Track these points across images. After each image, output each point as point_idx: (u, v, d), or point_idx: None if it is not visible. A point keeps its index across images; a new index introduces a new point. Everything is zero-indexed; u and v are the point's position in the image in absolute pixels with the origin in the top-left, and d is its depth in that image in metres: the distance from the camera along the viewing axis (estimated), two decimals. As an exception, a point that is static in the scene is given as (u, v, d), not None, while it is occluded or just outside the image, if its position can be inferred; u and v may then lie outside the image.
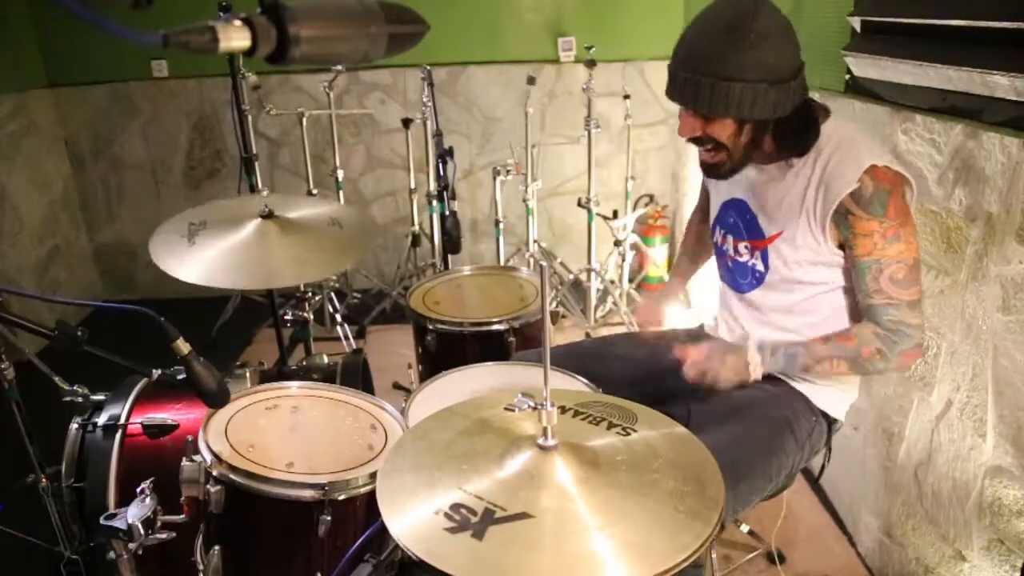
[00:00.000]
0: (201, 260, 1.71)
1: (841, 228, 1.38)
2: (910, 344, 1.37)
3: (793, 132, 1.40)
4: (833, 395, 1.53)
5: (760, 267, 1.52)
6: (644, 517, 0.90)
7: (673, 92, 1.37)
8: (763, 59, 1.29)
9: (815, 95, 2.23)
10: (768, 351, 1.45)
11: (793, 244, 1.44)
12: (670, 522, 0.89)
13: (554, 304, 2.40)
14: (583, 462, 0.98)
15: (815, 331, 1.49)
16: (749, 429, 1.44)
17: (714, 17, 1.31)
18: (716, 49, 1.29)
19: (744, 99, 1.31)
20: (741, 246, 1.55)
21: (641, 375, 1.68)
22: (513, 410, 1.03)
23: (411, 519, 0.90)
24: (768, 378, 1.55)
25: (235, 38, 0.60)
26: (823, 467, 1.64)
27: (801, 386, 1.53)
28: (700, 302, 3.68)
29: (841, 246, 1.41)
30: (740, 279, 1.56)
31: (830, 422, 1.55)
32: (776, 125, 1.38)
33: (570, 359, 1.67)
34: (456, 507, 0.91)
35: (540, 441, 0.99)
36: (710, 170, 1.46)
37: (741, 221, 1.54)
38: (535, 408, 0.99)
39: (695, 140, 1.42)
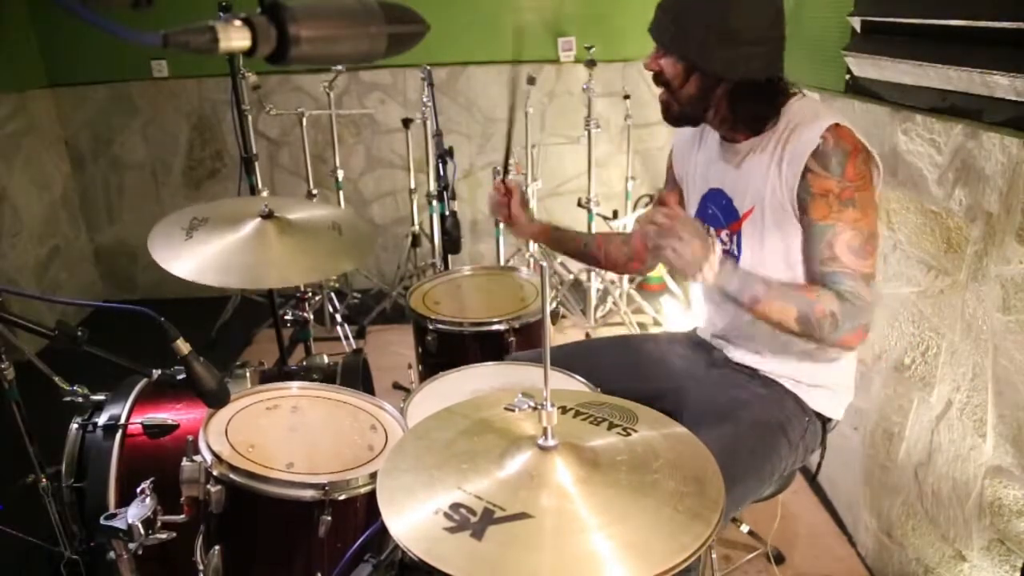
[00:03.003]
0: (196, 256, 1.70)
1: (801, 191, 1.36)
2: (860, 321, 1.33)
3: (745, 103, 1.40)
4: (827, 396, 1.53)
5: (735, 251, 1.51)
6: (644, 517, 0.90)
7: (650, 25, 1.43)
8: (723, 12, 1.32)
9: (815, 95, 2.23)
10: (729, 264, 1.37)
11: (763, 219, 1.43)
12: (670, 523, 0.89)
13: (554, 304, 2.40)
14: (583, 462, 0.98)
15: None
16: (741, 432, 1.43)
17: None
18: None
19: (690, 42, 1.35)
20: (723, 234, 1.54)
21: (632, 377, 1.67)
22: (513, 410, 1.03)
23: (411, 519, 0.90)
24: (760, 380, 1.55)
25: (235, 38, 0.60)
26: (819, 465, 1.64)
27: (793, 388, 1.53)
28: (698, 303, 3.68)
29: (802, 211, 1.39)
30: None
31: (824, 421, 1.55)
32: (729, 90, 1.39)
33: (567, 359, 1.67)
34: (456, 507, 0.90)
35: (540, 441, 0.99)
36: (663, 112, 1.49)
37: (719, 209, 1.54)
38: (535, 408, 0.99)
39: (655, 79, 1.46)
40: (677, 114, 1.47)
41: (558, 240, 1.92)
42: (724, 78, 1.38)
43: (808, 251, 1.38)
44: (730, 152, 1.50)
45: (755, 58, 1.35)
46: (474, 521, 0.88)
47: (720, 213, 1.54)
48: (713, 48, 1.34)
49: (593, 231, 3.37)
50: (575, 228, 2.14)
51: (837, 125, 1.33)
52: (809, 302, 1.33)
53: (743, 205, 1.48)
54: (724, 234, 1.54)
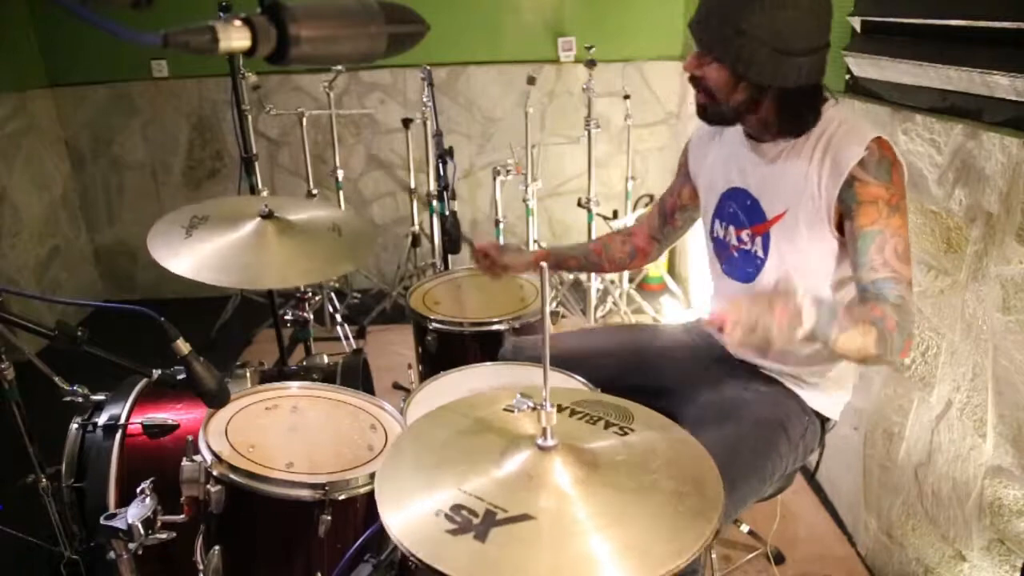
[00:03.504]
0: (194, 253, 1.69)
1: (846, 199, 1.35)
2: (910, 330, 1.30)
3: (792, 108, 1.39)
4: (826, 395, 1.53)
5: (760, 253, 1.50)
6: (645, 518, 0.90)
7: (692, 22, 1.39)
8: (773, 23, 1.29)
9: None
10: (816, 302, 1.21)
11: (796, 224, 1.43)
12: (671, 523, 0.89)
13: (554, 304, 2.40)
14: (582, 462, 0.98)
15: None
16: (743, 430, 1.43)
17: None
18: None
19: (742, 53, 1.32)
20: (743, 234, 1.54)
21: (633, 370, 1.68)
22: (512, 411, 1.03)
23: (412, 522, 0.90)
24: (761, 378, 1.55)
25: (235, 38, 0.60)
26: (817, 464, 1.64)
27: (794, 387, 1.53)
28: (698, 298, 3.69)
29: (839, 227, 1.39)
30: (745, 267, 1.55)
31: (823, 421, 1.55)
32: (777, 96, 1.38)
33: (569, 348, 1.67)
34: (457, 508, 0.90)
35: (539, 442, 0.98)
36: (699, 111, 1.46)
37: (741, 209, 1.53)
38: (534, 408, 0.99)
39: (692, 80, 1.43)
40: (715, 115, 1.45)
41: (557, 262, 1.93)
42: (773, 86, 1.36)
43: (856, 259, 1.35)
44: (758, 152, 1.49)
45: (805, 66, 1.34)
46: (476, 523, 0.88)
47: (742, 213, 1.53)
48: (764, 61, 1.32)
49: (593, 231, 3.37)
50: (575, 228, 2.14)
51: (879, 138, 1.33)
52: (880, 318, 1.24)
53: (773, 208, 1.47)
54: (745, 234, 1.53)
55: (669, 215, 1.80)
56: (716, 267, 1.65)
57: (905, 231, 1.34)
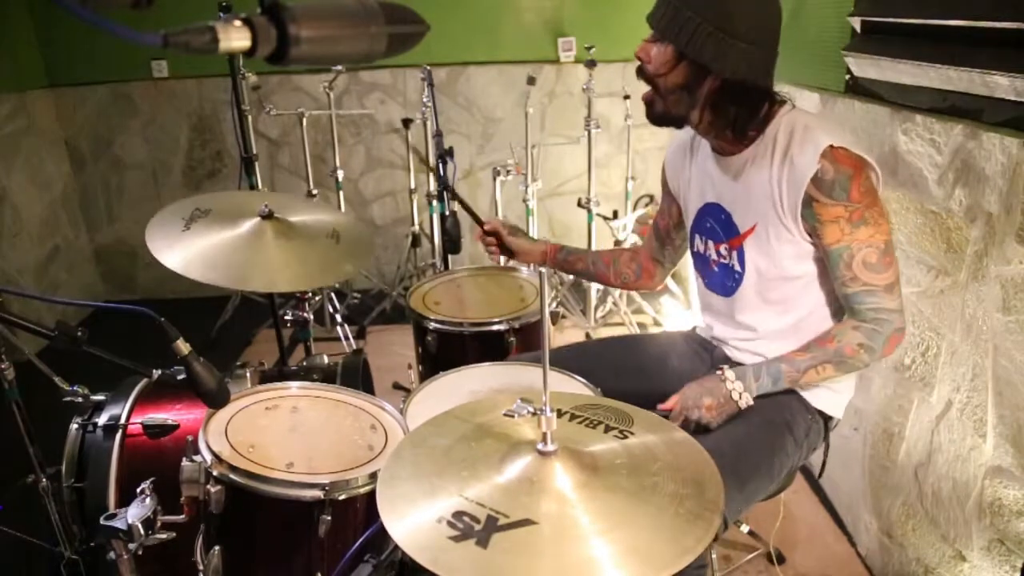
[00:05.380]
0: (189, 248, 1.68)
1: (807, 217, 1.37)
2: (891, 329, 1.38)
3: (732, 105, 1.38)
4: (828, 394, 1.53)
5: (738, 267, 1.52)
6: (646, 521, 0.90)
7: (648, 14, 1.41)
8: (723, 4, 1.30)
9: (815, 95, 2.23)
10: (751, 375, 1.44)
11: (767, 236, 1.44)
12: (671, 526, 0.89)
13: (554, 304, 2.40)
14: (583, 467, 0.97)
15: (801, 330, 1.49)
16: (749, 430, 1.44)
17: None
18: None
19: (686, 27, 1.32)
20: (722, 248, 1.55)
21: (638, 378, 1.67)
22: (512, 416, 1.02)
23: (415, 528, 0.90)
24: None
25: (235, 38, 0.60)
26: (823, 465, 1.64)
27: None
28: (697, 307, 3.68)
29: (812, 234, 1.40)
30: (726, 281, 1.57)
31: (826, 420, 1.56)
32: (719, 88, 1.37)
33: (568, 361, 1.67)
34: (459, 515, 0.90)
35: (540, 446, 0.98)
36: (647, 110, 1.48)
37: (717, 223, 1.54)
38: (534, 414, 0.99)
39: (639, 72, 1.43)
40: (660, 112, 1.45)
41: (565, 261, 1.92)
42: (712, 71, 1.35)
43: (831, 272, 1.41)
44: (724, 166, 1.50)
45: (747, 57, 1.33)
46: (478, 529, 0.87)
47: (719, 227, 1.54)
48: (706, 38, 1.31)
49: (594, 232, 3.37)
50: (575, 229, 2.13)
51: (832, 147, 1.32)
52: (836, 350, 1.40)
53: (744, 222, 1.48)
54: (723, 248, 1.54)
55: (666, 236, 1.81)
56: (700, 281, 1.67)
57: (878, 237, 1.35)
